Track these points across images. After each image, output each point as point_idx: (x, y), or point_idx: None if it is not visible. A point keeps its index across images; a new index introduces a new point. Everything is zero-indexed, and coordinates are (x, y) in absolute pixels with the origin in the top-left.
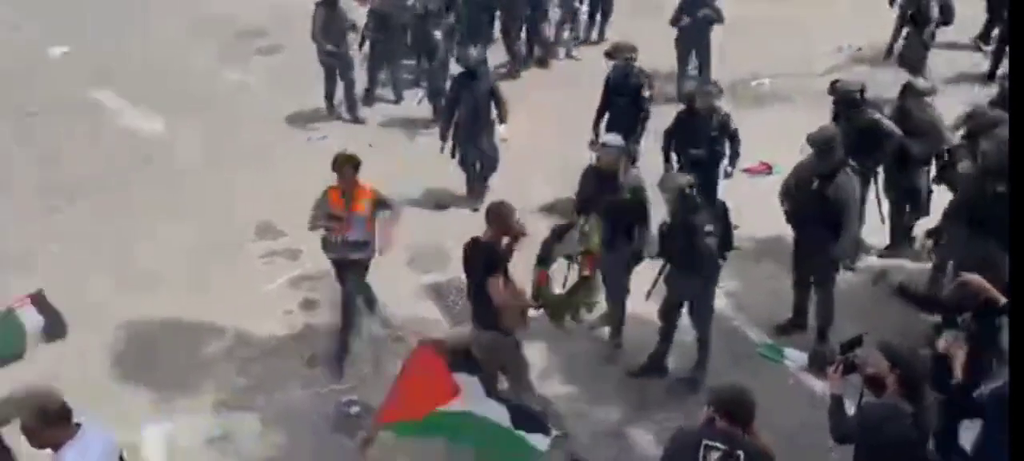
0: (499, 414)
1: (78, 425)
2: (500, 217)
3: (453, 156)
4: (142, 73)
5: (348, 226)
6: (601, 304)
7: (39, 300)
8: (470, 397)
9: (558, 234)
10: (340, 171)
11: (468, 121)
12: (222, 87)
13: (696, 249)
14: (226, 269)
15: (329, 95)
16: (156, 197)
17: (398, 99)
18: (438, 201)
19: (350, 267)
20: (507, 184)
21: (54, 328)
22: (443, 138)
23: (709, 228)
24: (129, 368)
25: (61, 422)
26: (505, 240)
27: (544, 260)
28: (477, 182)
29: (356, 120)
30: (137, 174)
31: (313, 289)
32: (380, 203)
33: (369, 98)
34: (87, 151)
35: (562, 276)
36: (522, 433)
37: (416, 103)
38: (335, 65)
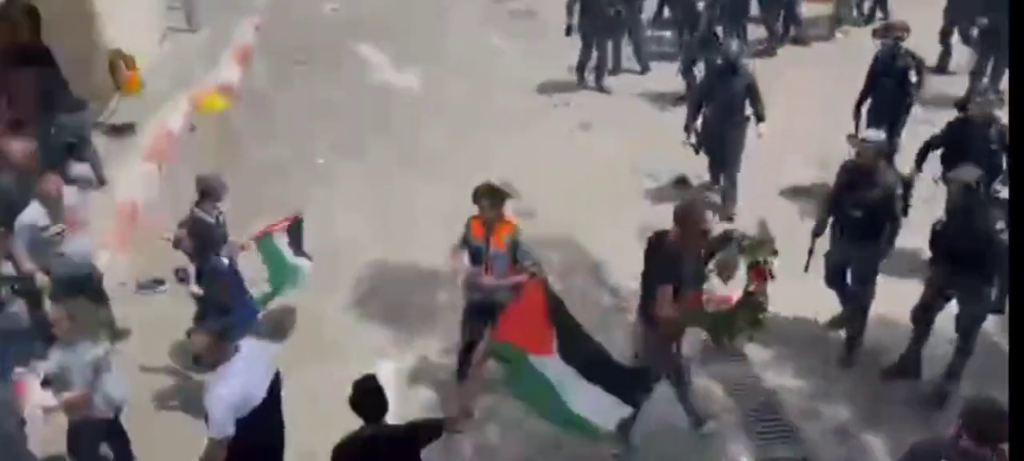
0: (574, 390)
1: (237, 347)
2: (688, 219)
3: (697, 152)
4: (403, 32)
5: (487, 266)
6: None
7: (294, 227)
8: (556, 359)
9: (712, 249)
10: (479, 202)
11: (719, 117)
12: (477, 50)
13: (981, 249)
14: (459, 221)
15: (581, 66)
16: (407, 150)
17: (643, 70)
18: (679, 177)
19: (487, 313)
20: (760, 164)
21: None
22: (687, 130)
23: (1000, 225)
24: (373, 308)
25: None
26: (694, 242)
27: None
28: (721, 195)
29: (602, 89)
30: (392, 125)
31: (544, 251)
32: (517, 244)
33: (615, 69)
34: (347, 102)
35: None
36: (584, 414)
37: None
38: (598, 41)
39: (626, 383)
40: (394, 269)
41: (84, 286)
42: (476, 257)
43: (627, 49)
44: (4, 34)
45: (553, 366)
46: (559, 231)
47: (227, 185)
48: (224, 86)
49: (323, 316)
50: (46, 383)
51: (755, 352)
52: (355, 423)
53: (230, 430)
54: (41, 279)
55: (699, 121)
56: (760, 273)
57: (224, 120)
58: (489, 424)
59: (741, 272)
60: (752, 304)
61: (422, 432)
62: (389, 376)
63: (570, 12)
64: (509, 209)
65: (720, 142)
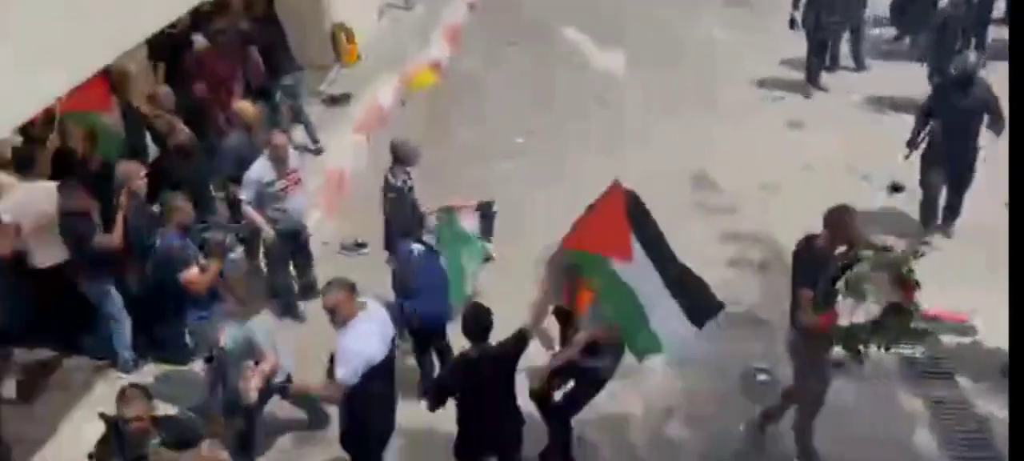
0: (654, 301)
1: (364, 302)
2: (839, 223)
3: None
4: (613, 16)
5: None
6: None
7: (486, 209)
8: (638, 264)
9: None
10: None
11: (946, 137)
12: (687, 37)
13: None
14: (655, 209)
15: (811, 67)
16: (607, 131)
17: (859, 67)
18: (894, 184)
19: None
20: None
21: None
22: (911, 146)
23: None
24: None
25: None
26: (841, 249)
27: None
28: (942, 212)
29: (817, 87)
30: (593, 109)
31: (741, 249)
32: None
33: (833, 65)
34: (552, 83)
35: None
36: (660, 332)
37: None
38: (828, 37)
39: (700, 304)
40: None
41: (296, 242)
42: None
43: (844, 46)
44: (243, 6)
45: (634, 272)
46: (759, 229)
47: (419, 152)
48: (434, 63)
49: (500, 295)
50: (209, 359)
51: (967, 376)
52: None
53: (355, 380)
54: (266, 232)
55: (925, 135)
56: (904, 284)
57: (433, 96)
58: None
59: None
60: (901, 313)
61: (513, 347)
62: None
63: (796, 4)
64: (709, 201)
65: (949, 159)
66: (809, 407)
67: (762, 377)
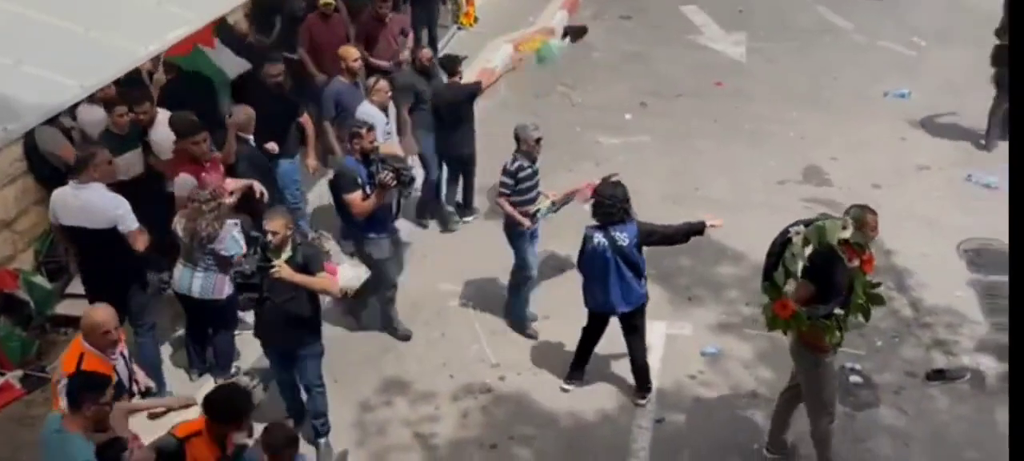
0: None
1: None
2: (861, 223)
3: None
4: None
5: None
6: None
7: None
8: None
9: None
10: None
11: None
12: (813, 25)
13: None
14: (763, 201)
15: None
16: (719, 117)
17: None
18: None
19: None
20: None
21: None
22: None
23: None
24: (658, 266)
25: None
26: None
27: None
28: None
29: None
30: (708, 92)
31: None
32: None
33: None
34: (667, 62)
35: None
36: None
37: None
38: None
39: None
40: None
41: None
42: None
43: None
44: None
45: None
46: None
47: (533, 135)
48: (548, 29)
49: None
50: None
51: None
52: None
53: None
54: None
55: None
56: (852, 251)
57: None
58: None
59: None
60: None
61: None
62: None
63: None
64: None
65: None
66: (817, 412)
67: (854, 378)
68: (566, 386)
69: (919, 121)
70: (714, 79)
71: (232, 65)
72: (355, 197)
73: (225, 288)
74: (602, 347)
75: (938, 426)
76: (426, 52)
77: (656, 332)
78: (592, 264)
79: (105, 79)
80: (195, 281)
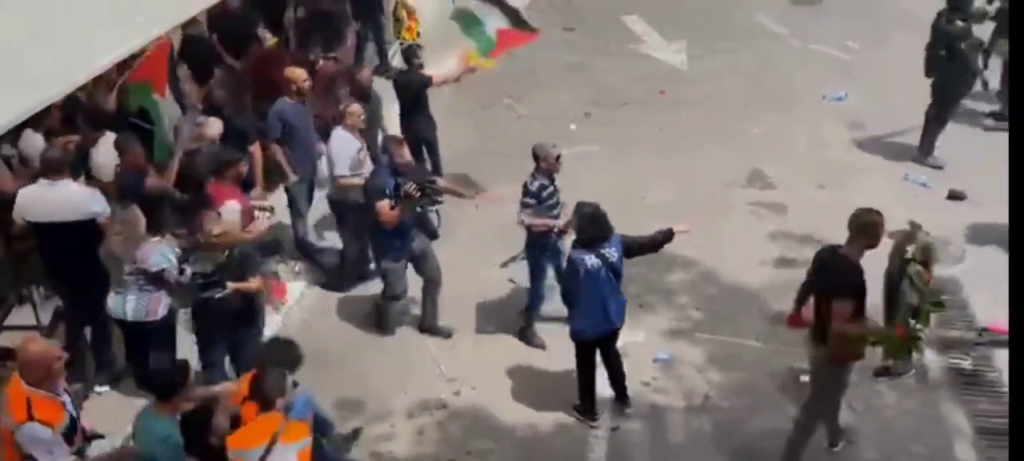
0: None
1: None
2: (866, 228)
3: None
4: (673, 7)
5: None
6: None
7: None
8: None
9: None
10: None
11: None
12: (751, 31)
13: None
14: (709, 207)
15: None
16: (662, 124)
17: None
18: (954, 192)
19: None
20: None
21: None
22: None
23: None
24: None
25: None
26: (867, 253)
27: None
28: None
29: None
30: (650, 100)
31: (791, 249)
32: None
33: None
34: (609, 72)
35: None
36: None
37: None
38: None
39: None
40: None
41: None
42: None
43: None
44: None
45: None
46: (809, 228)
47: (553, 153)
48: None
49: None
50: None
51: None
52: None
53: None
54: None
55: None
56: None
57: (488, 75)
58: None
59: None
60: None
61: None
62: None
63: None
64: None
65: None
66: (822, 415)
67: (804, 378)
68: (593, 424)
69: (856, 122)
70: (657, 87)
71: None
72: (383, 206)
73: (159, 309)
74: (555, 359)
75: (885, 421)
76: (366, 73)
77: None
78: (589, 287)
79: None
80: (128, 304)
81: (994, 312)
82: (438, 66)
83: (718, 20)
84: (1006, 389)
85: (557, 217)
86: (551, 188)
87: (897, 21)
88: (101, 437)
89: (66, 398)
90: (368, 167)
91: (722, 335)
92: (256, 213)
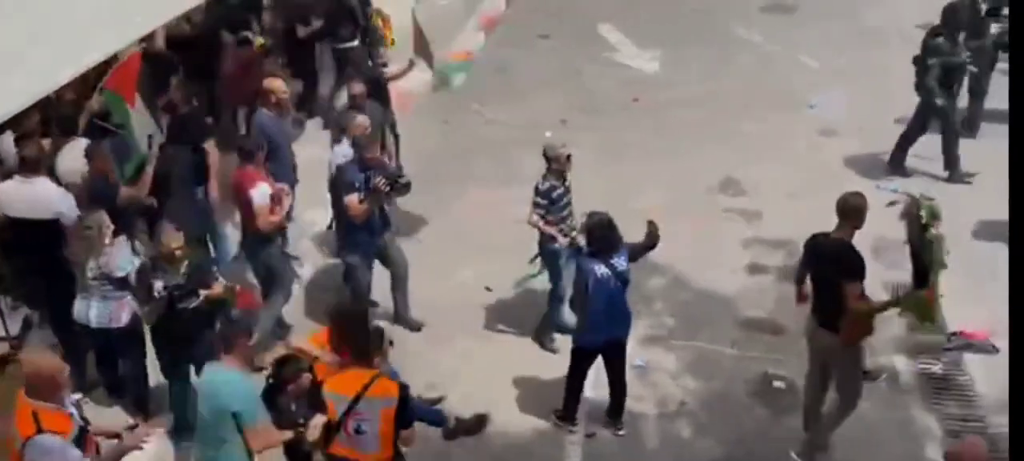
0: None
1: None
2: (854, 211)
3: None
4: (649, 16)
5: None
6: None
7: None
8: None
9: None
10: None
11: None
12: (724, 39)
13: None
14: (684, 213)
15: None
16: (637, 131)
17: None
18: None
19: None
20: None
21: None
22: None
23: None
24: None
25: None
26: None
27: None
28: None
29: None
30: (625, 107)
31: (764, 255)
32: None
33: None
34: (584, 78)
35: None
36: None
37: None
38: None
39: None
40: None
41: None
42: None
43: None
44: None
45: None
46: (782, 234)
47: (563, 153)
48: (466, 52)
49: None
50: None
51: (983, 392)
52: None
53: None
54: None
55: None
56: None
57: (462, 84)
58: None
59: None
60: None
61: None
62: None
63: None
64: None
65: None
66: (852, 404)
67: (777, 385)
68: (572, 430)
69: (829, 130)
70: (631, 95)
71: (142, 127)
72: (352, 200)
73: (123, 315)
74: (532, 366)
75: (857, 425)
76: (358, 87)
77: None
78: (598, 296)
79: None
80: (92, 310)
81: (964, 316)
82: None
83: (692, 29)
84: (976, 393)
85: (568, 217)
86: (562, 189)
87: (868, 30)
88: (117, 436)
89: (73, 409)
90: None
91: (696, 341)
92: (284, 197)
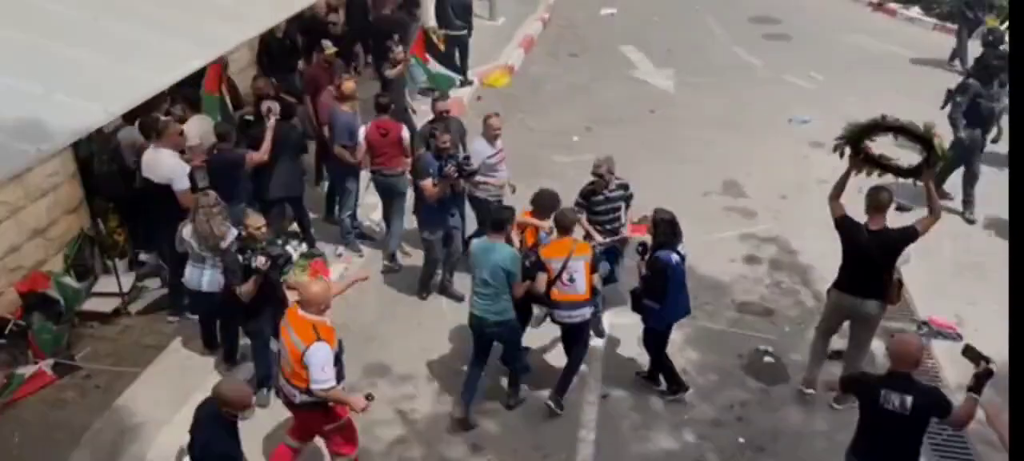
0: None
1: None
2: (883, 203)
3: None
4: (666, 40)
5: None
6: None
7: None
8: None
9: None
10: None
11: None
12: (730, 62)
13: None
14: (690, 209)
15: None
16: (652, 139)
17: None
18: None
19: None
20: None
21: None
22: None
23: None
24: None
25: None
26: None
27: None
28: None
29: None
30: (643, 118)
31: (758, 248)
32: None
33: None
34: (608, 92)
35: None
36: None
37: None
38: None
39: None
40: None
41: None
42: None
43: None
44: None
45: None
46: (772, 232)
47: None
48: (508, 67)
49: None
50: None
51: (949, 375)
52: None
53: None
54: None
55: None
56: None
57: (504, 94)
58: None
59: None
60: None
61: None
62: (606, 327)
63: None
64: (735, 205)
65: None
66: (867, 349)
67: (768, 359)
68: (679, 398)
69: (819, 143)
70: (648, 107)
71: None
72: (427, 184)
73: (222, 281)
74: (548, 335)
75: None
76: (440, 104)
77: (603, 322)
78: (677, 279)
79: (127, 105)
80: (204, 277)
81: (931, 308)
82: (461, 90)
83: (702, 52)
84: (941, 377)
85: (617, 221)
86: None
87: (856, 56)
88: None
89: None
90: (503, 172)
91: (698, 320)
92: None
